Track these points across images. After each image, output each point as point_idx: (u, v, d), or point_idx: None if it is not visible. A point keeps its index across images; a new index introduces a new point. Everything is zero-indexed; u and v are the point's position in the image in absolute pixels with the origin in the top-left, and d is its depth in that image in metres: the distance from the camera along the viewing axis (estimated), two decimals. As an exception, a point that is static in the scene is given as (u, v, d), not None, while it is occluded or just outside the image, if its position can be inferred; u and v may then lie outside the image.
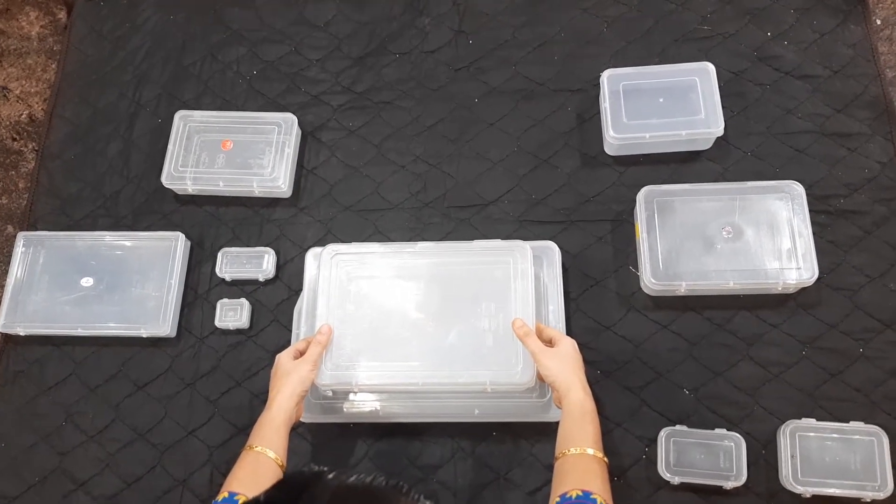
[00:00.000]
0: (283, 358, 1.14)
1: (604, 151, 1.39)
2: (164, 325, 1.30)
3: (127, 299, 1.34)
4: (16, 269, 1.37)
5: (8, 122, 1.54)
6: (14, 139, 1.55)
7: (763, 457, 1.18)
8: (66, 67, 1.60)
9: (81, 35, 1.62)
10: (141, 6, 1.63)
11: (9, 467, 1.29)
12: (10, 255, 1.38)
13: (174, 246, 1.36)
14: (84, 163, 1.50)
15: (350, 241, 1.32)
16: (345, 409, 1.22)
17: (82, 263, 1.37)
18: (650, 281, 1.24)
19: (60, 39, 1.64)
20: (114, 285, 1.35)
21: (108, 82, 1.57)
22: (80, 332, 1.33)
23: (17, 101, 1.58)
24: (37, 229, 1.44)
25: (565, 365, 1.07)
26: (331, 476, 0.65)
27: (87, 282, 1.35)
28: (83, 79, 1.58)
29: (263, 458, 1.04)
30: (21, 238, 1.39)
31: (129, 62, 1.58)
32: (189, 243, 1.39)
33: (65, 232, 1.41)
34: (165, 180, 1.40)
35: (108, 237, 1.39)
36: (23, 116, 1.57)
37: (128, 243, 1.38)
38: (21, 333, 1.34)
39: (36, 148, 1.53)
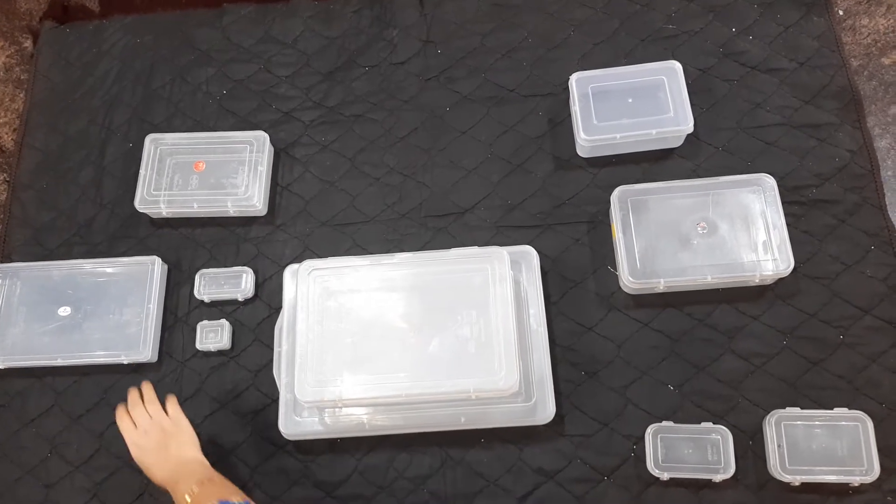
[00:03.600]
0: (149, 430, 1.13)
1: (576, 154, 1.40)
2: (144, 350, 1.29)
3: (106, 326, 1.32)
4: None
5: (-22, 155, 1.53)
6: (-15, 171, 1.53)
7: (750, 448, 1.18)
8: (34, 96, 1.58)
9: (48, 63, 1.61)
10: (107, 31, 1.62)
11: (-7, 503, 1.27)
12: (-15, 289, 1.36)
13: (151, 270, 1.35)
14: (56, 191, 1.48)
15: (328, 256, 1.31)
16: (330, 424, 1.22)
17: (59, 293, 1.36)
18: (629, 280, 1.24)
19: (27, 68, 1.62)
20: (92, 313, 1.34)
21: (77, 109, 1.56)
22: (59, 362, 1.31)
23: (-13, 133, 1.57)
24: (11, 260, 1.43)
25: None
26: None
27: (64, 311, 1.34)
28: (52, 106, 1.57)
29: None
30: None
31: (97, 87, 1.57)
32: (166, 266, 1.38)
33: (40, 262, 1.39)
34: (139, 205, 1.39)
35: (85, 265, 1.37)
36: (-8, 148, 1.55)
37: (106, 269, 1.37)
38: (0, 367, 1.32)
39: (7, 179, 1.51)
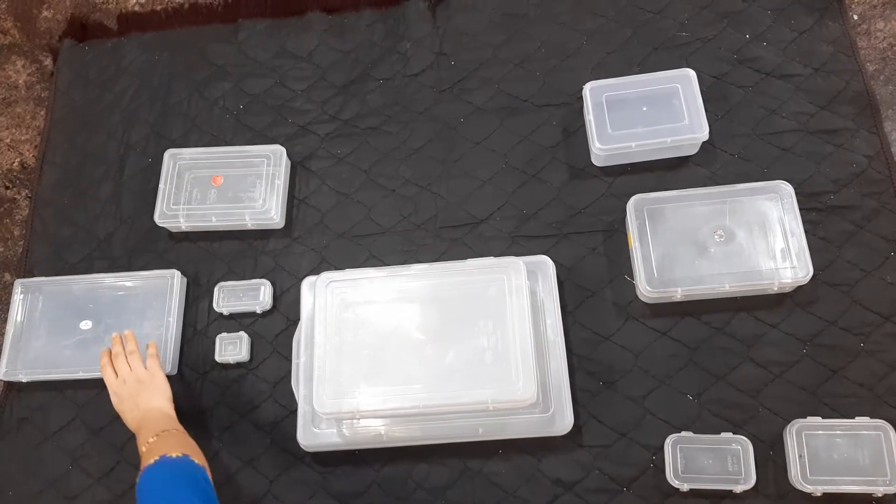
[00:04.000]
0: (127, 379, 1.19)
1: (591, 163, 1.40)
2: (164, 364, 1.30)
3: (126, 340, 1.34)
4: (15, 316, 1.38)
5: (0, 171, 1.55)
6: (7, 187, 1.56)
7: (771, 458, 1.17)
8: (55, 113, 1.61)
9: (68, 80, 1.64)
10: (125, 48, 1.65)
11: (16, 516, 1.29)
12: (9, 303, 1.38)
13: (170, 284, 1.36)
14: (77, 207, 1.51)
15: (345, 268, 1.32)
16: (348, 436, 1.22)
17: (80, 307, 1.38)
18: (645, 289, 1.24)
19: (48, 86, 1.65)
20: (113, 327, 1.35)
21: (96, 125, 1.58)
22: (81, 375, 1.32)
23: (9, 150, 1.59)
24: (34, 275, 1.45)
25: None
26: None
27: (86, 325, 1.36)
28: (72, 123, 1.59)
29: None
30: (19, 285, 1.40)
31: (116, 104, 1.59)
32: (185, 280, 1.39)
33: (61, 277, 1.41)
34: (158, 219, 1.41)
35: (105, 279, 1.39)
36: (14, 164, 1.58)
37: (125, 283, 1.39)
38: (23, 380, 1.34)
39: (29, 195, 1.54)
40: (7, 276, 1.50)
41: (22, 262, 1.48)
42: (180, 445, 1.05)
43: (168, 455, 1.01)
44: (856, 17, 1.48)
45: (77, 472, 1.30)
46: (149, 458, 1.02)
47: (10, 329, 1.37)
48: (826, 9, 1.46)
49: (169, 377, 1.32)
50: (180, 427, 1.14)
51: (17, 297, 1.39)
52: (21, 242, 1.51)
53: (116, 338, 1.24)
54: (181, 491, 0.96)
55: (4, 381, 1.36)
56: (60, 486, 1.29)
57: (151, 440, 1.06)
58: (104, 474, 1.29)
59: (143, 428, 1.11)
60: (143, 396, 1.17)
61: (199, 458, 1.04)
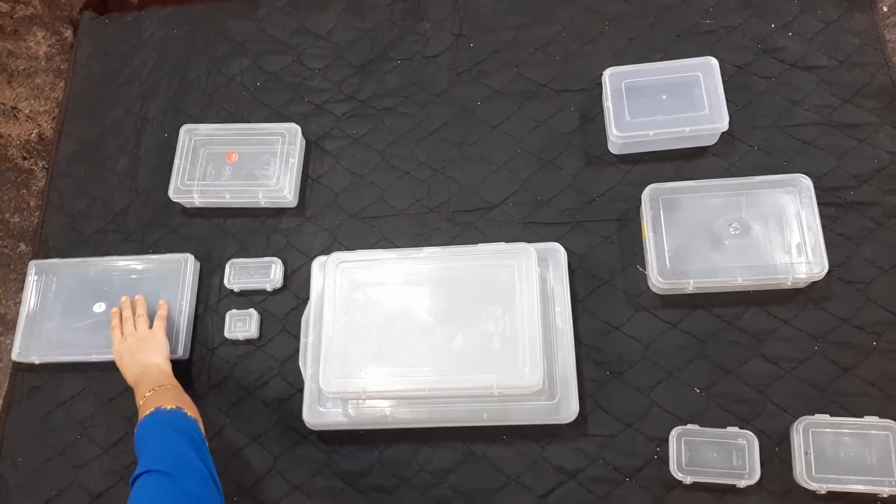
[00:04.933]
0: (129, 337, 1.25)
1: (608, 151, 1.39)
2: (177, 348, 1.31)
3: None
4: (29, 298, 1.38)
5: (18, 142, 1.57)
6: (24, 158, 1.57)
7: (776, 454, 1.16)
8: (74, 85, 1.62)
9: (87, 53, 1.64)
10: (145, 22, 1.65)
11: (25, 482, 1.30)
12: (23, 274, 1.39)
13: (183, 267, 1.36)
14: (93, 179, 1.52)
15: (356, 249, 1.32)
16: (354, 416, 1.23)
17: (94, 289, 1.38)
18: (658, 280, 1.23)
19: (67, 58, 1.66)
20: None
21: (114, 98, 1.58)
22: (94, 357, 1.33)
23: (27, 121, 1.61)
24: (48, 246, 1.46)
25: None
26: None
27: (99, 307, 1.36)
28: (90, 96, 1.60)
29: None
30: (33, 266, 1.40)
31: (134, 78, 1.60)
32: (198, 263, 1.40)
33: (75, 259, 1.42)
34: (173, 194, 1.41)
35: (119, 262, 1.40)
36: (32, 135, 1.59)
37: (138, 266, 1.39)
38: (35, 362, 1.35)
39: (46, 166, 1.55)
40: (22, 247, 1.52)
41: (37, 232, 1.49)
42: (174, 399, 1.10)
43: (162, 407, 1.07)
44: (885, 8, 1.45)
45: (85, 442, 1.32)
46: (144, 410, 1.08)
47: (23, 310, 1.37)
48: (855, 0, 1.43)
49: (180, 360, 1.33)
50: (176, 382, 1.19)
51: (32, 279, 1.39)
52: (37, 213, 1.53)
53: (126, 301, 1.30)
54: (173, 438, 1.02)
55: (16, 362, 1.37)
56: (68, 455, 1.31)
57: (148, 394, 1.11)
58: (112, 444, 1.31)
59: (140, 383, 1.17)
60: (143, 353, 1.22)
61: (191, 412, 1.09)
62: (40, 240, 1.48)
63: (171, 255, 1.39)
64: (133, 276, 1.39)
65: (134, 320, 1.27)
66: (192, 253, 1.39)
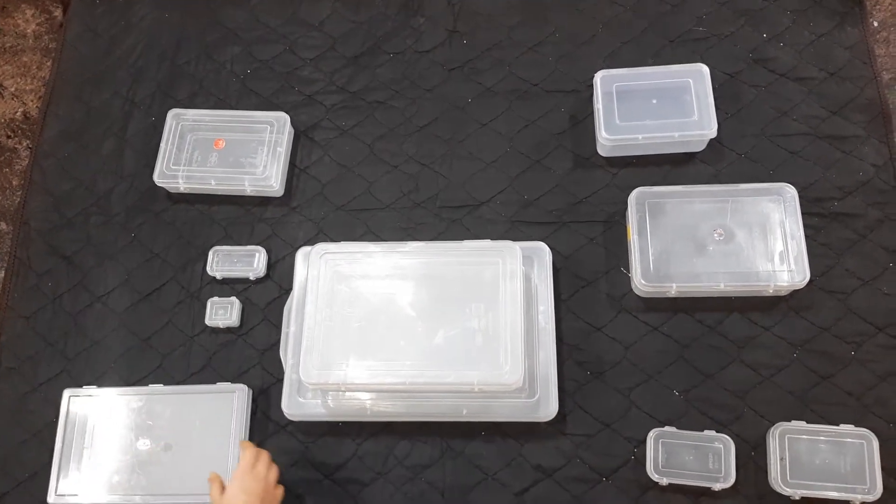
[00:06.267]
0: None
1: (597, 153, 1.39)
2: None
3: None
4: (63, 428, 1.26)
5: (2, 120, 1.55)
6: (8, 136, 1.55)
7: (752, 459, 1.17)
8: (61, 65, 1.60)
9: (77, 33, 1.62)
10: (136, 5, 1.63)
11: (1, 464, 1.29)
12: (4, 254, 1.37)
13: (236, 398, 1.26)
14: (77, 161, 1.50)
15: (341, 241, 1.32)
16: (333, 408, 1.22)
17: (138, 427, 1.26)
18: (641, 282, 1.23)
19: (56, 37, 1.64)
20: (173, 444, 1.25)
21: (102, 80, 1.57)
22: (137, 501, 1.22)
23: (12, 99, 1.59)
24: (30, 227, 1.44)
25: None
26: None
27: (144, 444, 1.25)
28: (78, 77, 1.58)
29: None
30: (67, 394, 1.28)
31: (123, 60, 1.58)
32: (251, 390, 1.28)
33: (115, 388, 1.30)
34: (157, 178, 1.40)
35: (163, 392, 1.28)
36: (17, 114, 1.57)
37: (183, 397, 1.28)
38: None
39: (30, 146, 1.53)
40: (3, 226, 1.50)
41: (19, 212, 1.47)
42: None
43: None
44: (876, 24, 1.46)
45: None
46: None
47: (58, 444, 1.26)
48: (847, 13, 1.44)
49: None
50: None
51: (65, 405, 1.28)
52: (19, 192, 1.51)
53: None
54: None
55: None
56: (44, 437, 1.29)
57: None
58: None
59: None
60: None
61: None
62: (21, 220, 1.46)
63: (221, 385, 1.28)
64: (179, 407, 1.27)
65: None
66: (175, 239, 1.38)
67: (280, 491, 1.08)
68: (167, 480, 1.22)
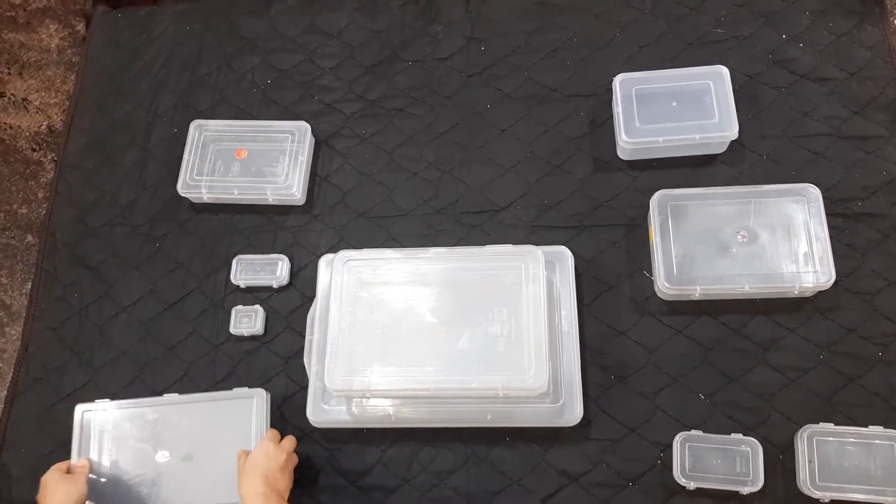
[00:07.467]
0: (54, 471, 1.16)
1: (617, 156, 1.39)
2: None
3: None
4: (77, 443, 1.24)
5: (28, 133, 1.57)
6: (34, 150, 1.58)
7: (780, 462, 1.16)
8: (85, 78, 1.62)
9: (99, 46, 1.65)
10: (158, 17, 1.65)
11: (27, 474, 1.30)
12: (31, 265, 1.40)
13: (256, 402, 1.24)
14: (101, 172, 1.52)
15: (363, 248, 1.32)
16: (357, 414, 1.22)
17: (156, 439, 1.25)
18: (664, 285, 1.23)
19: (79, 51, 1.66)
20: (192, 455, 1.24)
21: (125, 92, 1.59)
22: None
23: (37, 113, 1.61)
24: (56, 238, 1.46)
25: (240, 481, 1.10)
26: None
27: (163, 457, 1.24)
28: (101, 89, 1.60)
29: None
30: (80, 410, 1.26)
31: (145, 72, 1.60)
32: (269, 395, 1.26)
33: (128, 401, 1.28)
34: (181, 189, 1.41)
35: (178, 402, 1.27)
36: (42, 127, 1.59)
37: (201, 406, 1.27)
38: None
39: (55, 158, 1.55)
40: (29, 238, 1.52)
41: (45, 224, 1.49)
42: None
43: None
44: (896, 22, 1.45)
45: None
46: None
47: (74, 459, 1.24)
48: (867, 13, 1.44)
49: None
50: None
51: (78, 419, 1.25)
52: (45, 205, 1.53)
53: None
54: None
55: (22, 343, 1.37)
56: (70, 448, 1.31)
57: None
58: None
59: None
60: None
61: None
62: (48, 231, 1.48)
63: (239, 390, 1.27)
64: (197, 416, 1.26)
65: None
66: (198, 249, 1.39)
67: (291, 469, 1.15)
68: (189, 491, 1.22)
